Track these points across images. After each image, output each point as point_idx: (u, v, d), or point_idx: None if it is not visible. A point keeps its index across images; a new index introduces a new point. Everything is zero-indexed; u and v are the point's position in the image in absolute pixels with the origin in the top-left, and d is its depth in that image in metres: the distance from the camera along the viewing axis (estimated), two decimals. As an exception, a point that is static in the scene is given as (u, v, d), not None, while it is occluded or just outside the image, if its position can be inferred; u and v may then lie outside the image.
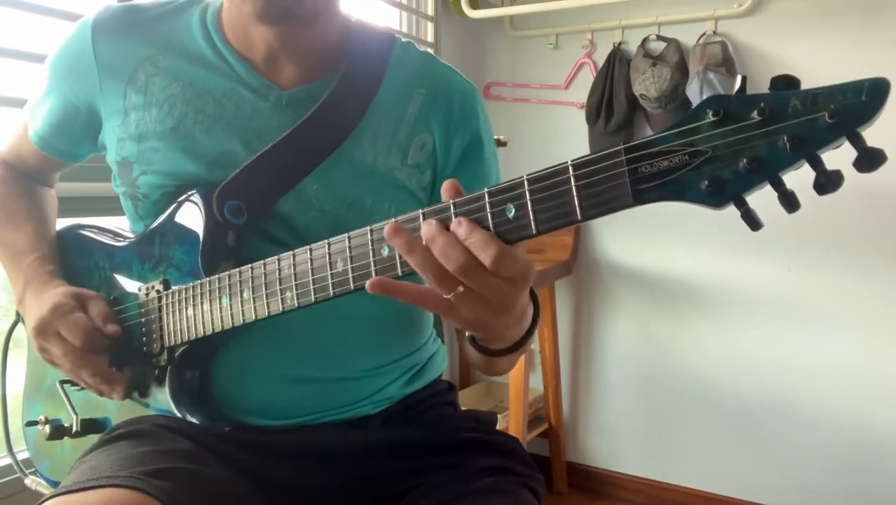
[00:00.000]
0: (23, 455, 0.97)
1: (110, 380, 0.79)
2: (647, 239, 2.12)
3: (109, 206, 1.16)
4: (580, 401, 2.31)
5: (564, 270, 2.15)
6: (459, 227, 0.54)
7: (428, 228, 0.55)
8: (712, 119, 0.46)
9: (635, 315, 2.18)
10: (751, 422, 2.04)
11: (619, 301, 2.20)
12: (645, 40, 2.01)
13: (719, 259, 2.02)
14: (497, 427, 0.93)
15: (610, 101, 2.05)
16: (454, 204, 0.56)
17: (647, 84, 1.94)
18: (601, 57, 2.10)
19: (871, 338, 1.88)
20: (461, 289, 0.55)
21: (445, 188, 0.57)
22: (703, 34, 1.95)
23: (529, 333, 0.65)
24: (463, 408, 0.95)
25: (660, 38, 2.01)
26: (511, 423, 1.96)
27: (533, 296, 0.65)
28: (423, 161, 0.82)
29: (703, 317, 2.08)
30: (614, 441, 2.27)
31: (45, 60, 0.86)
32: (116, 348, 0.80)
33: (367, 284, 0.57)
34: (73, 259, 0.89)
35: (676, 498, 2.17)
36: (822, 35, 1.84)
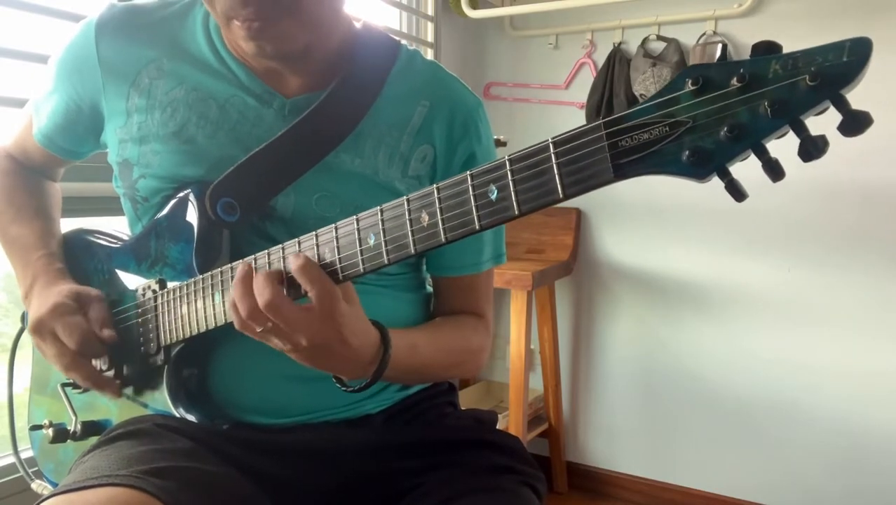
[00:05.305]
0: (26, 454, 0.97)
1: (101, 384, 0.79)
2: (648, 239, 2.11)
3: (110, 206, 1.16)
4: (580, 401, 2.30)
5: (564, 270, 2.14)
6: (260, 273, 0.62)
7: (241, 269, 0.64)
8: (691, 88, 0.45)
9: (635, 315, 2.17)
10: (750, 422, 2.03)
11: (619, 301, 2.19)
12: (645, 40, 2.01)
13: (719, 259, 2.01)
14: (497, 427, 0.92)
15: (610, 101, 2.04)
16: (437, 188, 0.56)
17: (647, 84, 1.93)
18: (601, 57, 2.10)
19: (870, 338, 1.87)
20: (259, 329, 0.63)
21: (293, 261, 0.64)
22: (703, 34, 1.94)
23: (378, 375, 0.69)
24: (463, 408, 0.95)
25: (660, 38, 2.00)
26: (511, 423, 1.95)
27: (384, 338, 0.70)
28: (423, 173, 0.81)
29: (702, 317, 2.07)
30: (614, 441, 2.26)
31: (47, 60, 0.86)
32: (115, 349, 0.80)
33: None
34: (73, 263, 0.88)
35: (676, 498, 2.16)
36: (821, 35, 1.80)
